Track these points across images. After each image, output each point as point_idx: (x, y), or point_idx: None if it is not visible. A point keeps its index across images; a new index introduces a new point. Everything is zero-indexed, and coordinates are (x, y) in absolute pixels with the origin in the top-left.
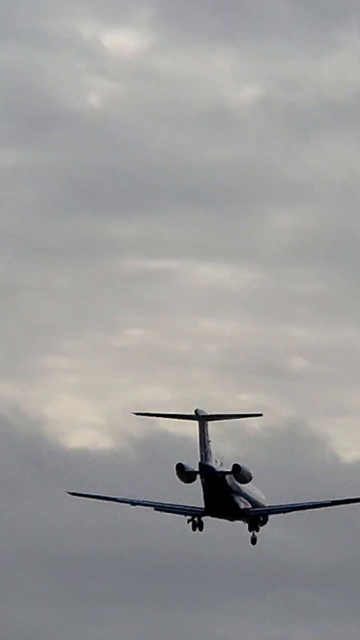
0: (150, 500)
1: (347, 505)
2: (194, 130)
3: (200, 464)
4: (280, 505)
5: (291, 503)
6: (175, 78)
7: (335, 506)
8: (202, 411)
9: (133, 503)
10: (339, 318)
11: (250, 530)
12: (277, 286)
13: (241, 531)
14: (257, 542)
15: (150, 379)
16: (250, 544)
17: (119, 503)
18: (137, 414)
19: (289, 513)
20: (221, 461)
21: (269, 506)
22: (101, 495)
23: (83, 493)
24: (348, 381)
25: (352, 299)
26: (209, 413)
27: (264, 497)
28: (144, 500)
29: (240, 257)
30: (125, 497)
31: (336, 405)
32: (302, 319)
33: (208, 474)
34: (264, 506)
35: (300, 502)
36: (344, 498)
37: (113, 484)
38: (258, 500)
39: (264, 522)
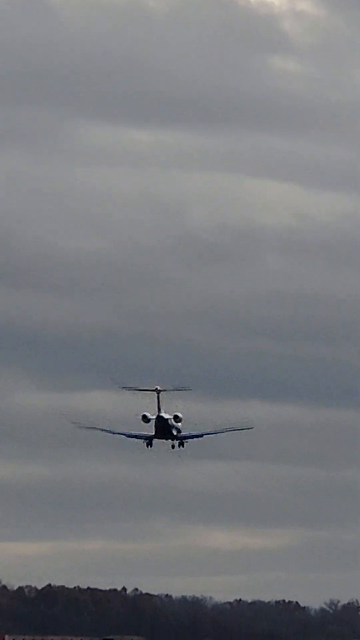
0: (125, 431)
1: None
2: None
3: (157, 415)
4: (192, 434)
5: (196, 433)
6: None
7: (229, 432)
8: (160, 388)
9: (113, 432)
10: None
11: (177, 444)
12: None
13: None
14: (175, 448)
15: None
16: (170, 448)
17: (112, 434)
18: (124, 387)
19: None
20: (165, 411)
21: (186, 434)
22: (103, 428)
23: (90, 426)
24: None
25: None
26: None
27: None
28: (122, 432)
29: None
30: (113, 430)
31: None
32: None
33: (161, 420)
34: (182, 433)
35: (203, 431)
36: (235, 427)
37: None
38: (181, 429)
39: (183, 442)
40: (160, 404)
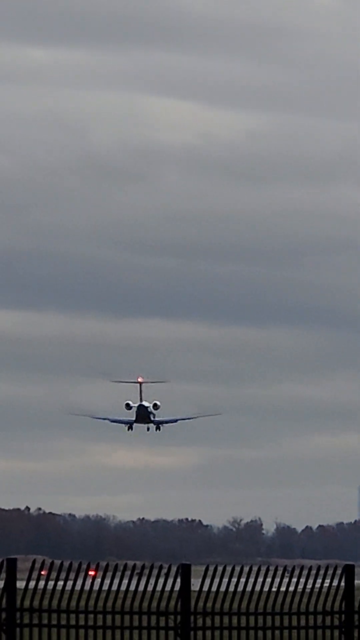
0: (109, 417)
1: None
2: None
3: (139, 404)
4: (168, 419)
5: (171, 418)
6: None
7: (200, 417)
8: (141, 379)
9: (99, 418)
10: None
11: (155, 427)
12: None
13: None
14: (149, 430)
15: None
16: (146, 430)
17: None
18: (113, 380)
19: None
20: (146, 401)
21: (162, 419)
22: (91, 415)
23: (83, 414)
24: None
25: None
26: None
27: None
28: (107, 417)
29: None
30: (99, 416)
31: None
32: None
33: (142, 408)
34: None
35: (177, 417)
36: (206, 414)
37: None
38: (156, 415)
39: (160, 427)
40: (141, 393)
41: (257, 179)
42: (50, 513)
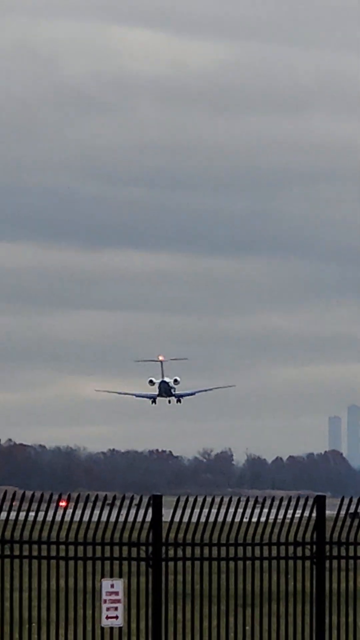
0: (134, 392)
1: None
2: None
3: (161, 380)
4: (187, 392)
5: (190, 392)
6: None
7: (216, 390)
8: (162, 357)
9: (126, 394)
10: None
11: (177, 400)
12: None
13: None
14: (170, 403)
15: None
16: (171, 402)
17: (125, 395)
18: (137, 361)
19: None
20: (168, 377)
21: (181, 392)
22: (119, 391)
23: (107, 390)
24: None
25: None
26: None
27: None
28: (132, 392)
29: None
30: (126, 392)
31: None
32: None
33: (164, 383)
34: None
35: (195, 390)
36: (221, 386)
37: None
38: (175, 389)
39: (180, 399)
40: (163, 370)
41: (231, 109)
42: (20, 444)
